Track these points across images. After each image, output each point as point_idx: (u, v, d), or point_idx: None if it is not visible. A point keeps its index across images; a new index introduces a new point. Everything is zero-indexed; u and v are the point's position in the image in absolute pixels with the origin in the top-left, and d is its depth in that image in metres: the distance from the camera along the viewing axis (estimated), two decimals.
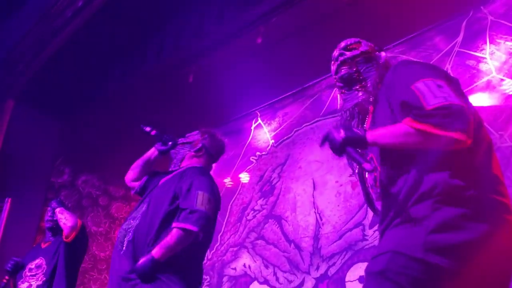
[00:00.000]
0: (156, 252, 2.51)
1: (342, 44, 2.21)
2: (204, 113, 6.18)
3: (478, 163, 1.77)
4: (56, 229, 4.04)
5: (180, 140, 3.05)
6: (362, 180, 2.09)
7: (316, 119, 5.36)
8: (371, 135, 1.80)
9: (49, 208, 4.12)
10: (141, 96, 6.03)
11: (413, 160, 1.79)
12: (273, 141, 5.75)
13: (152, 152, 3.10)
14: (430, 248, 1.62)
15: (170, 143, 3.03)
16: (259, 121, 6.00)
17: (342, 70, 2.13)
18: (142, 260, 2.53)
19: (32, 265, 3.92)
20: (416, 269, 1.62)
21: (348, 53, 2.15)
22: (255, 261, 5.23)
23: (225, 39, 5.28)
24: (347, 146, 1.79)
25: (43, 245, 4.09)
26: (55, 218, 4.02)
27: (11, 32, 5.68)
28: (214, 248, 5.64)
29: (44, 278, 3.81)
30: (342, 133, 1.79)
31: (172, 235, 2.54)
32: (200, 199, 2.62)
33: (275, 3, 4.77)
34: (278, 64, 5.40)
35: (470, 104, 1.86)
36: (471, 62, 4.22)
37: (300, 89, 5.63)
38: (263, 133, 5.91)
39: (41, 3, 5.34)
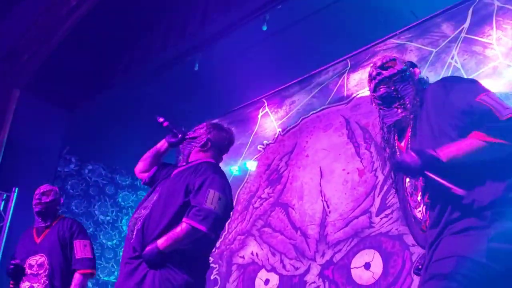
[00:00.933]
0: (162, 243, 2.54)
1: (378, 62, 2.28)
2: (210, 101, 6.18)
3: None
4: (45, 213, 3.87)
5: (189, 134, 2.99)
6: (400, 188, 2.23)
7: (323, 107, 5.33)
8: (444, 155, 1.86)
9: (36, 192, 3.93)
10: (147, 85, 6.03)
11: (467, 170, 1.88)
12: (280, 129, 5.73)
13: (162, 144, 3.06)
14: (492, 255, 1.77)
15: (180, 135, 2.98)
16: (266, 109, 5.98)
17: (381, 90, 2.21)
18: (147, 249, 2.57)
19: (32, 260, 3.74)
20: (479, 273, 1.77)
21: (385, 72, 2.23)
22: (262, 248, 5.23)
23: (230, 26, 5.26)
24: (427, 171, 1.86)
25: (38, 239, 3.85)
26: (43, 201, 3.85)
27: (16, 22, 5.68)
28: (222, 237, 5.61)
29: (47, 282, 3.66)
30: (417, 160, 1.85)
31: (182, 229, 2.56)
32: (210, 198, 2.61)
33: None
34: (285, 51, 5.39)
35: None
36: (478, 48, 4.17)
37: (306, 76, 5.60)
38: (270, 122, 5.90)
39: None
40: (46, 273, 3.68)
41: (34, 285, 3.67)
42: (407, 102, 2.17)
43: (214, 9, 5.16)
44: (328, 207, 4.76)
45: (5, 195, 5.89)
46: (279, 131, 5.71)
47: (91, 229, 6.70)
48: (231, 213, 5.49)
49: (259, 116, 6.02)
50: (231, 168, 5.89)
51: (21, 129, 6.01)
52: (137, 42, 5.87)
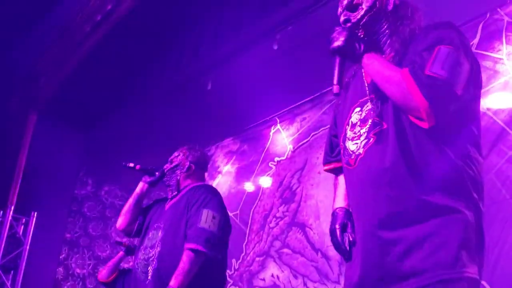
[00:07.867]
0: (173, 283, 2.51)
1: (345, 1, 1.87)
2: (223, 120, 6.22)
3: None
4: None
5: (167, 167, 3.01)
6: (342, 115, 1.94)
7: None
8: (370, 57, 1.67)
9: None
10: (161, 106, 6.08)
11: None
12: (291, 146, 5.74)
13: (141, 187, 3.05)
14: None
15: (157, 173, 3.00)
16: (278, 126, 6.01)
17: (362, 47, 1.74)
18: None
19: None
20: None
21: (353, 18, 1.81)
22: (282, 271, 5.15)
23: (242, 46, 5.29)
24: (338, 54, 1.68)
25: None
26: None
27: (32, 46, 5.78)
28: (240, 258, 5.61)
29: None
30: (342, 40, 1.67)
31: (184, 260, 2.56)
32: (204, 217, 2.64)
33: (291, 11, 4.78)
34: (296, 70, 5.40)
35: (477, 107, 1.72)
36: (488, 63, 4.18)
37: (318, 94, 5.62)
38: (282, 139, 5.92)
39: (61, 18, 5.44)
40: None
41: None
42: (384, 43, 1.82)
43: (226, 29, 5.21)
44: None
45: (24, 219, 5.94)
46: (290, 148, 5.72)
47: (108, 251, 6.72)
48: (248, 231, 5.50)
49: (271, 134, 6.05)
50: (244, 185, 5.92)
51: (39, 153, 6.07)
52: (151, 63, 5.93)
